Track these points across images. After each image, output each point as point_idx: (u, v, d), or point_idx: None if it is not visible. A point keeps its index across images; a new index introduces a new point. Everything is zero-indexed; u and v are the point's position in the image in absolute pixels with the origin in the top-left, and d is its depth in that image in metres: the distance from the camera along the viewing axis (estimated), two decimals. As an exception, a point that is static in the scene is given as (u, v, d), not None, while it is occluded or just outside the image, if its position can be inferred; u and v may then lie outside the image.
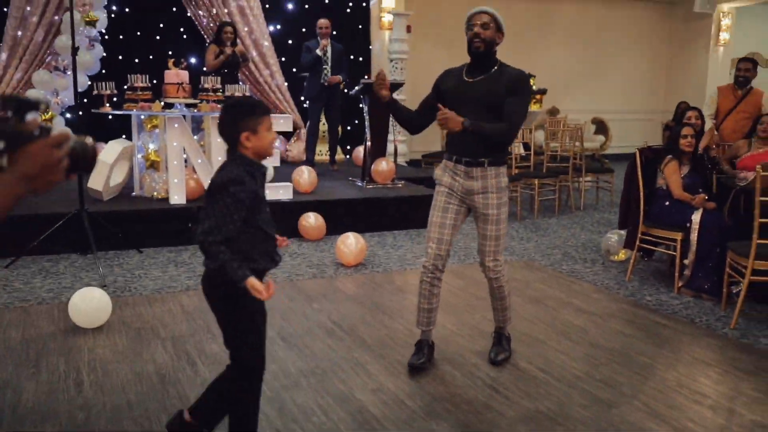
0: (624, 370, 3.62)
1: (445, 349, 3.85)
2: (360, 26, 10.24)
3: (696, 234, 4.88)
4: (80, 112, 8.77)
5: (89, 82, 8.26)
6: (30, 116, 1.18)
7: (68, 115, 8.76)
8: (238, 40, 8.47)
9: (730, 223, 4.91)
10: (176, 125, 6.17)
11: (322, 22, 8.49)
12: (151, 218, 6.09)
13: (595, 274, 5.49)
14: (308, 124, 8.96)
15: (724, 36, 13.19)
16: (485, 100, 3.39)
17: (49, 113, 8.19)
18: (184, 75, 6.70)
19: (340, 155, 9.83)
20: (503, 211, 3.50)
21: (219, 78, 6.93)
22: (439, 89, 3.60)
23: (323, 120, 9.14)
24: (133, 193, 6.67)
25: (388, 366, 3.62)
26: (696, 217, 4.90)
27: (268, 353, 3.38)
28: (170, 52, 9.00)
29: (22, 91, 8.27)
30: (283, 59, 9.57)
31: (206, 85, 6.71)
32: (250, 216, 2.37)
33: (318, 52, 8.43)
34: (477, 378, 3.49)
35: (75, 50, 5.80)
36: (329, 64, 8.52)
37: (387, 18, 10.24)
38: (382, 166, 7.41)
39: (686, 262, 4.97)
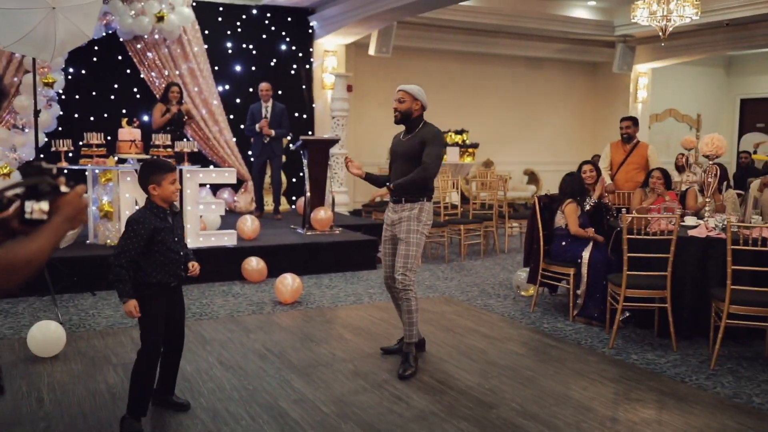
0: (510, 381, 4.30)
1: (360, 367, 4.48)
2: (303, 86, 11.03)
3: (586, 268, 5.65)
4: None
5: (46, 139, 8.81)
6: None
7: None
8: (184, 99, 9.15)
9: (613, 258, 5.69)
10: (128, 178, 6.76)
11: (263, 85, 9.25)
12: (104, 263, 6.60)
13: (504, 307, 6.20)
14: (253, 176, 9.64)
15: (642, 93, 14.40)
16: (409, 154, 4.47)
17: (7, 168, 8.70)
18: (137, 133, 7.33)
19: (285, 206, 10.48)
20: (413, 236, 4.43)
21: (169, 135, 7.58)
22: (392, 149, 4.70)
23: (269, 173, 9.83)
24: (88, 241, 7.20)
25: (310, 381, 4.23)
26: (585, 254, 5.68)
27: (208, 375, 4.00)
28: (124, 111, 9.62)
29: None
30: (231, 117, 10.26)
31: (157, 142, 7.34)
32: (150, 244, 3.40)
33: (257, 128, 9.12)
34: (384, 389, 4.12)
35: (37, 112, 6.36)
36: (269, 121, 9.22)
37: (329, 79, 11.05)
38: (321, 214, 8.09)
39: (579, 293, 5.73)
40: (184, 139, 8.10)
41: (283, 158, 9.80)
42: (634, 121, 7.33)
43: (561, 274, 5.84)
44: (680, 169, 11.28)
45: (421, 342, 4.80)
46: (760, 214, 5.94)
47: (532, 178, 14.26)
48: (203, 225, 7.49)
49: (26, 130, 9.08)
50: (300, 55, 10.97)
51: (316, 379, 4.28)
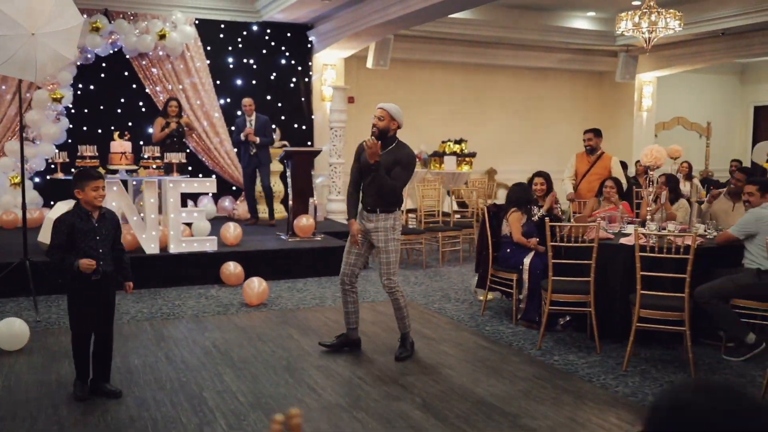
0: (425, 378, 4.63)
1: (293, 363, 4.86)
2: (303, 99, 11.49)
3: (527, 274, 5.93)
4: (47, 177, 9.90)
5: (56, 150, 9.43)
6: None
7: (36, 180, 9.91)
8: (185, 113, 9.68)
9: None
10: (115, 188, 7.28)
11: (246, 101, 9.67)
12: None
13: (457, 311, 6.51)
14: (244, 185, 10.12)
15: (647, 102, 14.49)
16: (384, 167, 4.82)
17: (17, 178, 9.36)
18: (127, 145, 7.86)
19: (282, 213, 10.91)
20: (391, 245, 4.95)
21: (158, 147, 8.09)
22: (358, 158, 5.03)
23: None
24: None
25: (240, 375, 4.63)
26: (527, 260, 5.96)
27: (151, 368, 4.44)
28: (130, 124, 10.24)
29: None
30: (232, 128, 10.76)
31: (146, 154, 7.86)
32: (71, 240, 4.06)
33: (242, 136, 9.55)
34: (304, 382, 4.50)
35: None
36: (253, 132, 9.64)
37: (327, 91, 11.50)
38: (303, 221, 8.51)
39: (521, 298, 6.01)
40: (186, 150, 8.59)
41: (280, 167, 10.22)
42: (595, 132, 7.56)
43: (506, 279, 6.13)
44: (687, 177, 11.42)
45: (356, 341, 5.17)
46: (706, 223, 6.11)
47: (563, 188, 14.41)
48: (188, 231, 7.97)
49: (37, 143, 9.74)
50: (299, 68, 11.43)
51: (246, 373, 4.68)
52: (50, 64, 6.12)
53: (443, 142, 12.67)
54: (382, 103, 5.00)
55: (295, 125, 11.38)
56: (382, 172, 4.81)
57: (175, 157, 8.01)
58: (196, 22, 10.58)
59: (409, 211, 9.72)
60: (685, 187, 10.54)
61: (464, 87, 13.90)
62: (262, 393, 4.31)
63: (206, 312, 6.37)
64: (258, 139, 9.45)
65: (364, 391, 4.37)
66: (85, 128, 10.22)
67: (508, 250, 6.16)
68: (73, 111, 10.09)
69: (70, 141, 9.84)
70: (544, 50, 13.73)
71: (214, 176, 9.02)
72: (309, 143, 11.45)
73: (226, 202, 10.98)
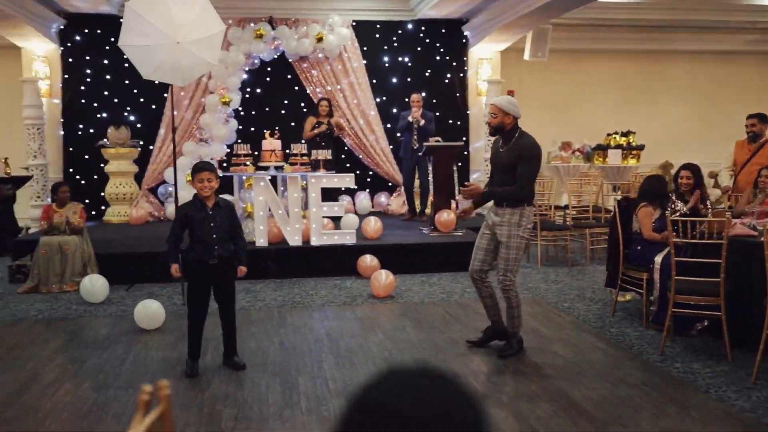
0: (521, 377, 4.46)
1: (396, 356, 4.90)
2: (457, 94, 11.46)
3: (658, 273, 5.47)
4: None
5: (227, 150, 10.26)
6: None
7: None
8: (341, 112, 10.05)
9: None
10: (262, 184, 7.77)
11: (415, 96, 9.80)
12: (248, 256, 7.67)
13: (587, 311, 6.16)
14: (402, 179, 10.29)
15: None
16: (507, 166, 4.84)
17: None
18: (277, 143, 8.35)
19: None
20: (513, 241, 4.79)
21: (305, 145, 8.50)
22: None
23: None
24: (235, 238, 8.36)
25: (339, 363, 4.76)
26: (658, 258, 5.50)
27: (263, 352, 4.69)
28: (293, 124, 10.84)
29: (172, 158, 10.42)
30: (387, 125, 11.03)
31: (295, 151, 8.31)
32: (188, 228, 4.53)
33: (410, 119, 9.71)
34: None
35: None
36: (418, 128, 9.74)
37: (483, 86, 11.37)
38: (444, 216, 8.51)
39: (652, 299, 5.56)
40: (327, 150, 8.97)
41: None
42: (761, 117, 6.77)
43: (637, 278, 5.70)
44: None
45: (503, 332, 5.05)
46: None
47: (718, 181, 13.19)
48: (331, 225, 8.30)
49: (210, 143, 10.64)
50: (454, 64, 11.41)
51: (346, 362, 4.80)
52: (196, 69, 6.66)
53: (608, 134, 12.02)
54: (492, 99, 4.93)
55: (450, 121, 11.38)
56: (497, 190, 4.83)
57: (322, 154, 8.37)
58: (354, 23, 10.95)
59: (557, 207, 9.35)
60: None
61: (633, 76, 13.06)
62: (352, 381, 4.40)
63: (333, 302, 6.60)
64: (423, 121, 9.49)
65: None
66: (252, 129, 10.99)
67: (639, 247, 5.72)
68: (241, 113, 10.88)
69: (239, 141, 10.62)
70: (728, 31, 12.51)
71: (353, 173, 9.08)
72: (464, 139, 11.40)
73: (382, 197, 11.25)
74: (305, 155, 8.34)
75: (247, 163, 8.27)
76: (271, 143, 8.34)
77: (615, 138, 11.85)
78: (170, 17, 6.22)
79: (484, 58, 11.46)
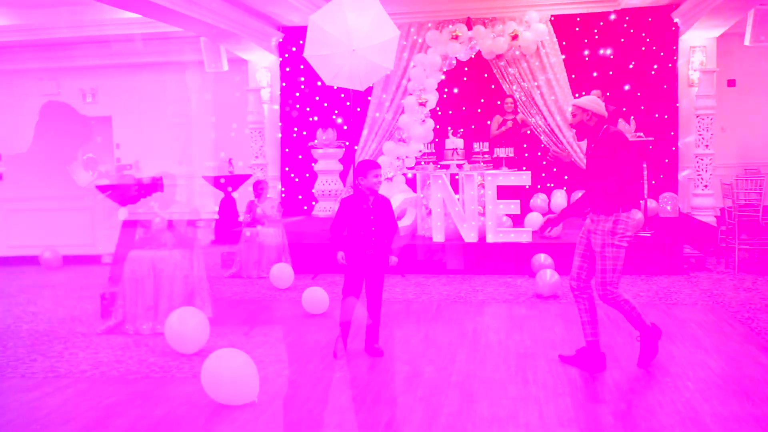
0: (650, 387, 4.23)
1: (518, 359, 4.90)
2: (665, 85, 10.73)
3: None
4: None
5: (424, 150, 10.69)
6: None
7: (408, 174, 11.34)
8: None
9: None
10: (439, 181, 8.04)
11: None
12: (412, 251, 8.03)
13: (769, 323, 5.58)
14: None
15: None
16: (593, 167, 4.52)
17: (391, 173, 10.88)
18: (459, 142, 8.58)
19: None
20: (607, 251, 4.47)
21: (488, 143, 8.61)
22: None
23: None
24: (418, 233, 8.74)
25: (470, 358, 4.87)
26: None
27: (405, 343, 5.04)
28: (488, 122, 10.97)
29: (373, 157, 11.10)
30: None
31: (476, 149, 8.47)
32: (348, 222, 4.96)
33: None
34: (519, 371, 4.53)
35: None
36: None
37: (695, 76, 10.53)
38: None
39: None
40: (509, 147, 9.00)
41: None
42: None
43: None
44: None
45: (596, 355, 4.69)
46: None
47: None
48: (510, 223, 8.33)
49: (408, 142, 11.15)
50: (661, 54, 10.71)
51: (477, 357, 4.90)
52: (372, 74, 7.11)
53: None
54: (574, 100, 4.72)
55: (656, 114, 10.71)
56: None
57: (503, 152, 8.44)
58: (552, 18, 10.77)
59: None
60: None
61: None
62: (474, 376, 4.50)
63: (494, 299, 6.67)
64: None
65: (571, 387, 4.23)
66: (449, 127, 11.30)
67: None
68: (439, 113, 11.23)
69: (437, 140, 11.00)
70: None
71: (530, 171, 8.93)
72: (672, 133, 10.68)
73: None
74: (486, 154, 8.46)
75: (430, 161, 8.61)
76: (453, 142, 8.59)
77: None
78: (346, 26, 6.71)
79: (696, 46, 10.61)
